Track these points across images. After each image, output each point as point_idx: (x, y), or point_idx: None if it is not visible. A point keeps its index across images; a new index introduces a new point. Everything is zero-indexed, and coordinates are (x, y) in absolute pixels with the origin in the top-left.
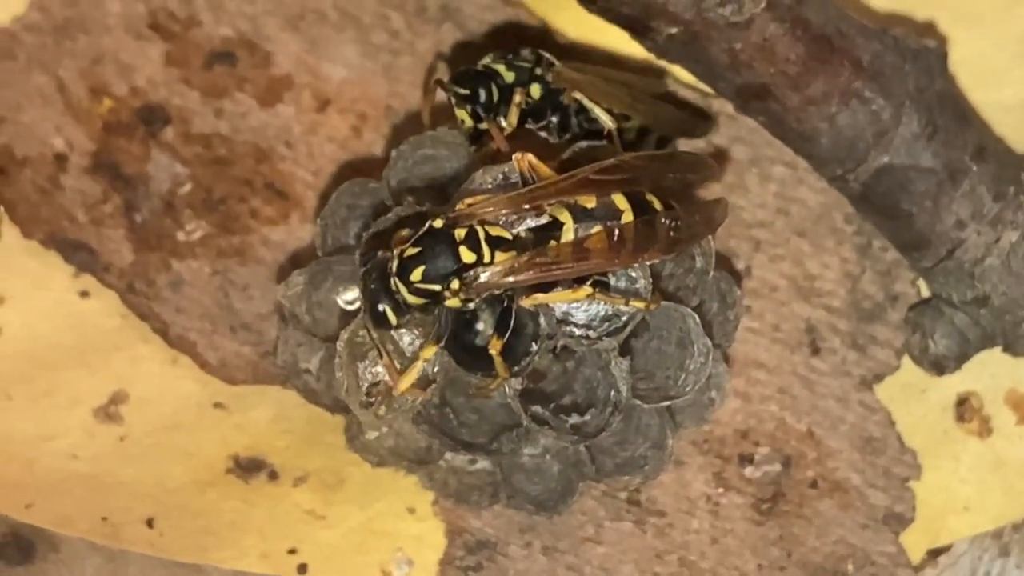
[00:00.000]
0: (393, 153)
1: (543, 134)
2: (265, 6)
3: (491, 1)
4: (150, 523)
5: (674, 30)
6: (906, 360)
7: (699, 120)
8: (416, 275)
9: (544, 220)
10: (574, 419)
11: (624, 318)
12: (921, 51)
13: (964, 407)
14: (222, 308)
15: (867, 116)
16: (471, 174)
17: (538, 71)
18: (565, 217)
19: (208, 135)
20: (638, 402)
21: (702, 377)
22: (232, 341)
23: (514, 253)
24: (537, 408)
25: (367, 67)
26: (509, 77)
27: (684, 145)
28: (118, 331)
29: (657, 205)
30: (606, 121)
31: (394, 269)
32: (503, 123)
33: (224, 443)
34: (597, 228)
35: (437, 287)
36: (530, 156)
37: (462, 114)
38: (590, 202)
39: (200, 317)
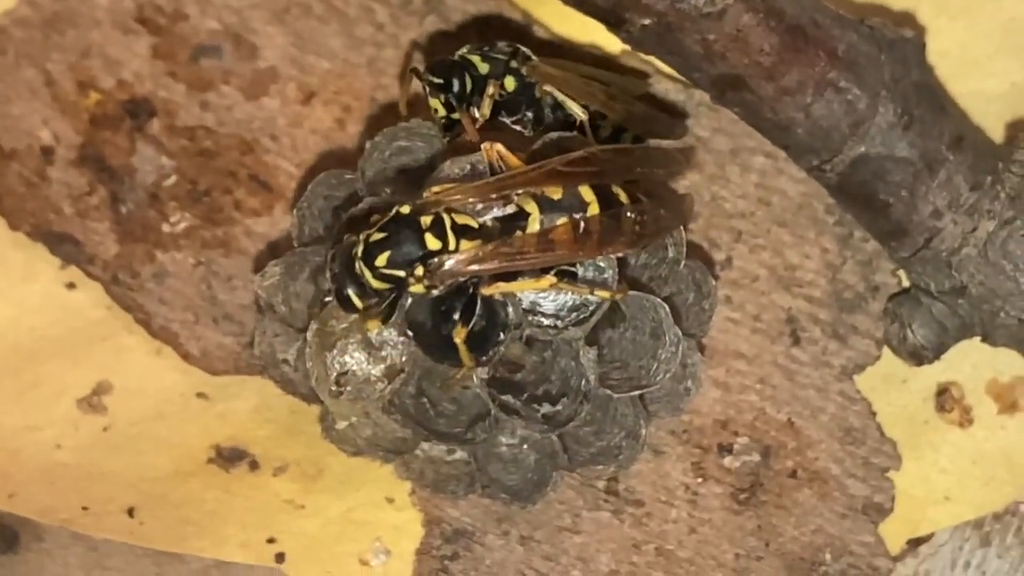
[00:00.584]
0: (368, 144)
1: (517, 127)
2: (251, 0)
3: None
4: (131, 512)
5: (647, 21)
6: (887, 350)
7: (674, 122)
8: (381, 260)
9: (511, 210)
10: (546, 408)
11: (591, 308)
12: (898, 41)
13: (945, 397)
14: (205, 299)
15: (842, 106)
16: (440, 164)
17: (513, 64)
18: (532, 207)
19: (193, 128)
20: (609, 392)
21: (672, 366)
22: (215, 332)
23: (479, 242)
24: (507, 397)
25: (352, 60)
26: (484, 69)
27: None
28: (103, 322)
29: (624, 198)
30: (578, 113)
31: (359, 253)
32: (476, 114)
33: (206, 433)
34: (563, 219)
35: (401, 273)
36: (499, 146)
37: (435, 103)
38: (556, 193)
39: (183, 308)
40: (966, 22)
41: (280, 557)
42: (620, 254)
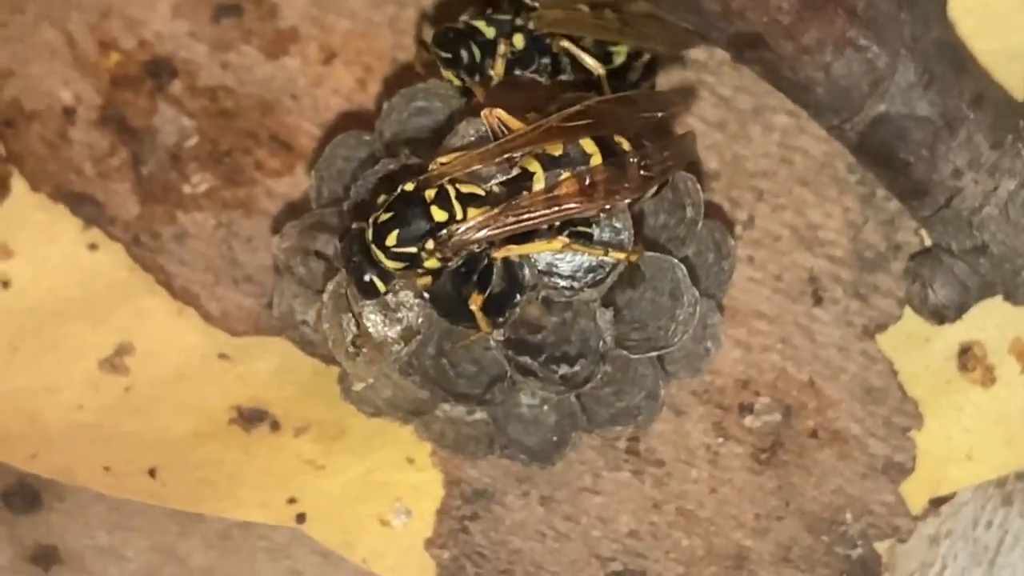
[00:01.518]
0: (385, 105)
1: (536, 76)
2: None
3: None
4: (152, 473)
5: None
6: (908, 310)
7: (688, 33)
8: (391, 239)
9: (515, 172)
10: (563, 369)
11: (607, 269)
12: None
13: (967, 356)
14: (226, 260)
15: (862, 65)
16: (456, 126)
17: (518, 21)
18: (535, 167)
19: (214, 88)
20: (625, 353)
21: (691, 327)
22: (236, 293)
23: (488, 208)
24: (525, 359)
25: (373, 19)
26: (490, 33)
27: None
28: (124, 283)
29: (626, 146)
30: (595, 67)
31: (371, 237)
32: (491, 74)
33: (227, 394)
34: (566, 174)
35: (413, 249)
36: (499, 111)
37: (449, 75)
38: (558, 149)
39: (204, 269)
40: None
41: (301, 518)
42: (629, 200)
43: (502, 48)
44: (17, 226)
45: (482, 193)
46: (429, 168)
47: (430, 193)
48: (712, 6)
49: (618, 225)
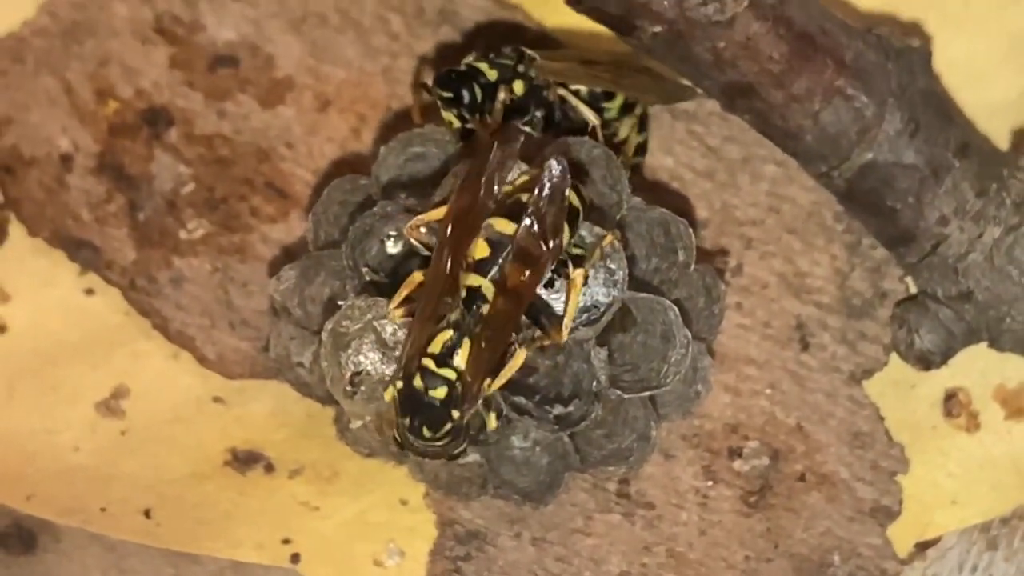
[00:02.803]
0: (382, 150)
1: (527, 128)
2: (267, 9)
3: (487, 4)
4: (148, 514)
5: (658, 29)
6: (895, 356)
7: (681, 87)
8: (428, 433)
9: (463, 294)
10: (558, 409)
11: (602, 309)
12: (904, 50)
13: (952, 402)
14: (222, 304)
15: (850, 113)
16: (454, 169)
17: (520, 68)
18: (475, 280)
19: (210, 136)
20: (620, 393)
21: (682, 369)
22: (231, 337)
23: (469, 347)
24: (520, 399)
25: (366, 69)
26: (492, 75)
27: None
28: (121, 327)
29: (505, 227)
30: (589, 117)
31: (414, 443)
32: (489, 120)
33: (222, 436)
34: (504, 264)
35: (448, 425)
36: (419, 218)
37: (449, 116)
38: (480, 251)
39: (200, 313)
40: (972, 32)
41: (295, 558)
42: (558, 241)
43: (502, 94)
44: (15, 270)
45: (450, 334)
46: (402, 360)
47: (418, 382)
48: (705, 55)
49: (612, 266)
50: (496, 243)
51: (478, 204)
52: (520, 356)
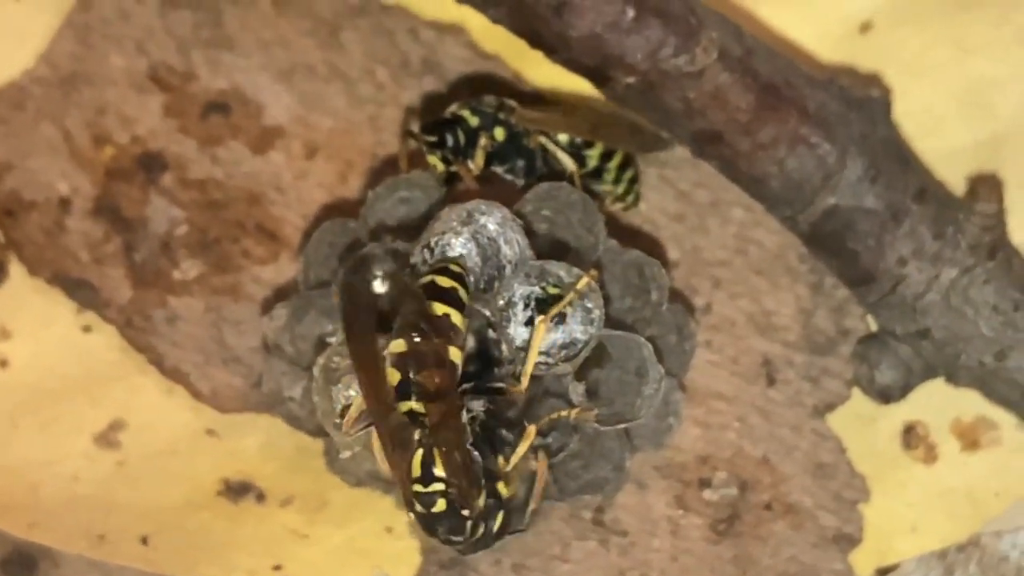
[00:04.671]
0: (370, 195)
1: (509, 177)
2: (258, 60)
3: (469, 55)
4: (145, 540)
5: (631, 80)
6: (856, 391)
7: (658, 137)
8: (458, 538)
9: (402, 420)
10: (537, 441)
11: (580, 345)
12: (865, 100)
13: (911, 435)
14: (215, 342)
15: (814, 160)
16: (439, 212)
17: (501, 115)
18: (404, 404)
19: (203, 180)
20: (596, 426)
21: (655, 402)
22: (224, 372)
23: (436, 454)
24: (501, 431)
25: (353, 118)
26: (474, 122)
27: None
28: (117, 363)
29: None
30: (568, 164)
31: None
32: (471, 165)
33: (215, 468)
34: (416, 373)
35: (478, 531)
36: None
37: (433, 159)
38: (395, 377)
39: (194, 350)
40: (930, 83)
41: None
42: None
43: (483, 140)
44: (16, 309)
45: (419, 454)
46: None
47: (419, 508)
48: (675, 104)
49: (589, 305)
50: (400, 364)
51: (374, 352)
52: (531, 431)
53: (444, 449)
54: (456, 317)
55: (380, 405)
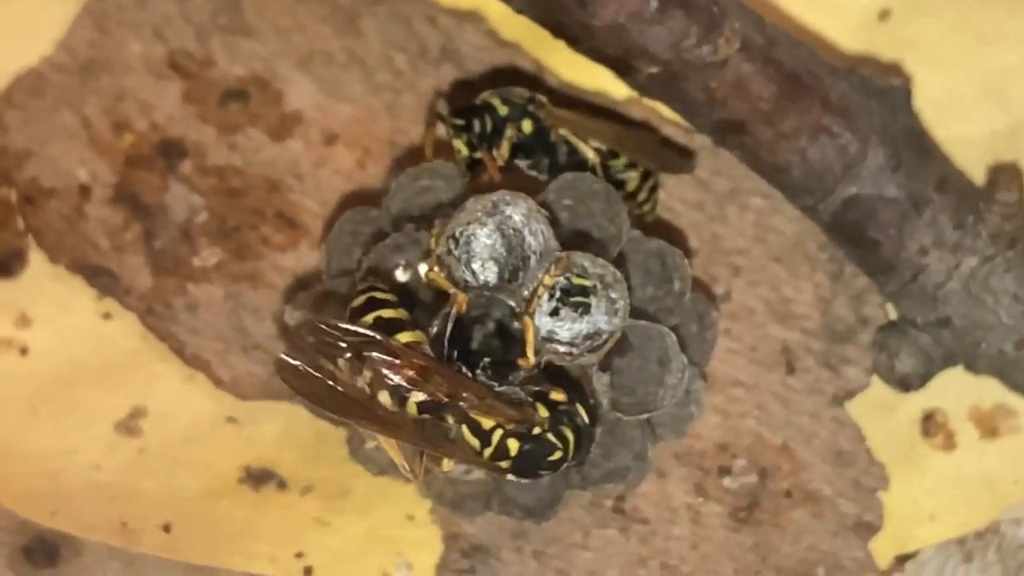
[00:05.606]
0: (392, 184)
1: (533, 172)
2: (276, 48)
3: (488, 43)
4: (167, 528)
5: (654, 70)
6: (875, 378)
7: (683, 157)
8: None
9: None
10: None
11: (604, 336)
12: (887, 89)
13: (930, 423)
14: (235, 329)
15: (835, 150)
16: (464, 202)
17: (531, 108)
18: (413, 408)
19: (222, 168)
20: (619, 415)
21: (679, 392)
22: (244, 360)
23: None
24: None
25: (372, 105)
26: (503, 111)
27: (669, 179)
28: (138, 351)
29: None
30: (589, 155)
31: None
32: (495, 154)
33: (236, 455)
34: (404, 367)
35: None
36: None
37: (458, 144)
38: (384, 398)
39: (214, 338)
40: (950, 72)
41: (308, 571)
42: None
43: (509, 131)
44: (36, 296)
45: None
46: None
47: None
48: (698, 94)
49: (614, 296)
50: (378, 382)
51: (359, 403)
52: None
53: (471, 405)
54: (388, 312)
55: (400, 429)
